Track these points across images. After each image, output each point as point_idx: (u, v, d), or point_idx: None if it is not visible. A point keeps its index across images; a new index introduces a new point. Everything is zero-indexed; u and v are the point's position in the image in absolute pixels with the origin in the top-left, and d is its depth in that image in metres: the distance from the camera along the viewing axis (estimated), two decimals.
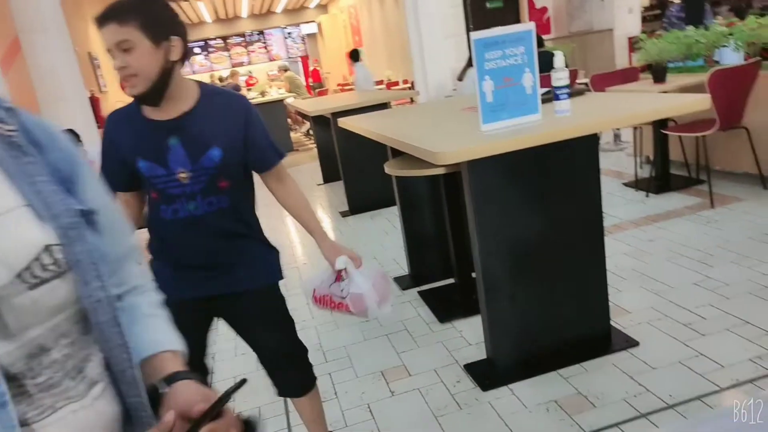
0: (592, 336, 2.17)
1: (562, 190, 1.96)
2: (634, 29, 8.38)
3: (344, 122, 3.22)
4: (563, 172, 1.93)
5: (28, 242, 0.58)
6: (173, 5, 1.43)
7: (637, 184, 4.13)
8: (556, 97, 1.90)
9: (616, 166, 4.80)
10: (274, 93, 10.74)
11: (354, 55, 8.64)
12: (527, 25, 1.84)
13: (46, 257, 0.58)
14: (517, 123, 1.86)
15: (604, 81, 4.20)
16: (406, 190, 3.03)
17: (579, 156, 1.93)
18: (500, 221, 1.93)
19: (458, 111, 2.70)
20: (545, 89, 2.05)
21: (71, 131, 4.20)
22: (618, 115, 2.00)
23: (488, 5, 10.31)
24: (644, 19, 8.90)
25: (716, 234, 3.15)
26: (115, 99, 8.06)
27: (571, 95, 1.98)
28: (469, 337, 2.48)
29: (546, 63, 2.00)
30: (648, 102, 2.10)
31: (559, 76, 1.88)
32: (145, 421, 0.68)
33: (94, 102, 6.66)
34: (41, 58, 5.63)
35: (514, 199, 1.93)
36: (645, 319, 2.38)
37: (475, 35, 1.81)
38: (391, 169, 2.69)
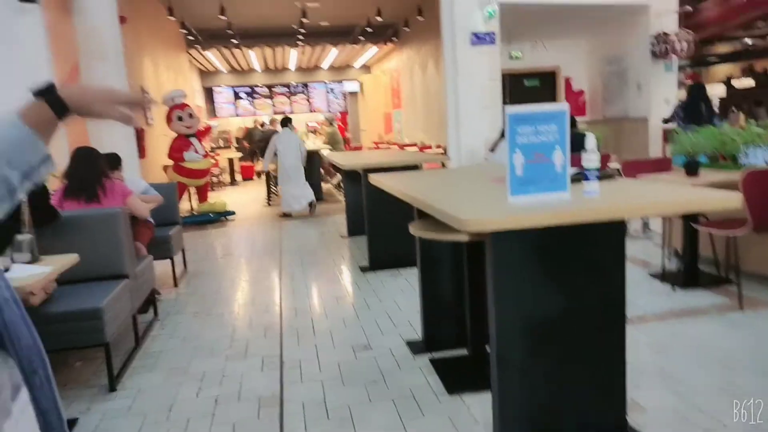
0: (605, 429, 2.08)
1: (585, 272, 1.94)
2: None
3: (374, 179, 3.28)
4: (588, 254, 1.92)
5: None
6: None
7: (664, 277, 4.04)
8: (586, 178, 1.92)
9: (643, 255, 4.74)
10: (310, 144, 11.03)
11: (283, 122, 8.50)
12: (561, 105, 1.89)
13: None
14: (545, 199, 1.88)
15: (635, 168, 4.22)
16: (428, 253, 3.04)
17: (605, 240, 1.93)
18: (520, 296, 1.92)
19: (488, 181, 2.73)
20: (575, 169, 2.08)
21: (114, 155, 4.37)
22: (647, 204, 2.00)
23: (526, 83, 10.61)
24: None
25: (744, 338, 3.04)
26: (160, 132, 8.38)
27: (600, 178, 2.00)
28: (477, 413, 2.41)
29: (577, 143, 2.04)
30: (679, 194, 2.10)
31: (591, 158, 1.91)
32: None
33: (140, 133, 6.93)
34: (97, 84, 5.93)
35: (536, 275, 1.92)
36: (663, 420, 2.28)
37: (510, 110, 1.86)
38: (415, 229, 2.72)
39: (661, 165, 4.44)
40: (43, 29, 5.20)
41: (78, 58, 5.78)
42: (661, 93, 8.43)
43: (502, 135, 5.95)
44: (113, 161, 4.24)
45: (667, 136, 8.09)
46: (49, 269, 2.29)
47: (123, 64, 6.16)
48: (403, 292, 4.25)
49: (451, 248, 2.98)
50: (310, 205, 8.18)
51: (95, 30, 5.86)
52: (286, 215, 8.15)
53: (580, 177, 2.01)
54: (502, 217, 1.75)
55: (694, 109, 7.38)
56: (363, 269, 5.03)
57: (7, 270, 2.23)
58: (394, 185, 2.83)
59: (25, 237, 2.43)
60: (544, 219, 1.74)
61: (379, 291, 4.35)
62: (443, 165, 6.35)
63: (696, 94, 7.49)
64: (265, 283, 4.80)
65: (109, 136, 5.97)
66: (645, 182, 2.29)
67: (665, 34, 8.01)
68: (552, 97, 10.56)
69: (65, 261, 2.47)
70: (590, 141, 1.92)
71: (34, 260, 2.42)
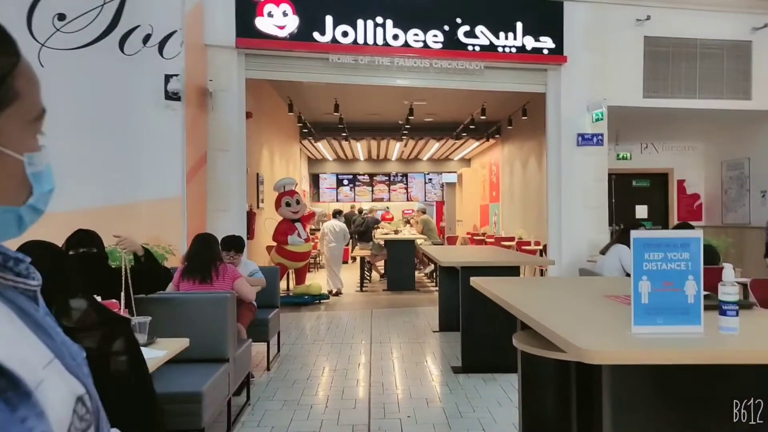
0: None
1: (719, 420, 1.71)
2: None
3: (477, 283, 3.20)
4: (723, 399, 1.70)
5: (67, 396, 0.56)
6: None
7: None
8: (723, 312, 1.74)
9: None
10: (406, 233, 11.18)
11: (334, 213, 10.03)
12: (695, 233, 1.77)
13: (80, 408, 0.57)
14: (675, 332, 1.71)
15: (766, 289, 3.80)
16: (531, 367, 2.85)
17: (744, 385, 1.70)
18: None
19: (600, 297, 2.57)
20: (705, 292, 1.90)
21: (240, 239, 4.70)
22: None
23: (634, 183, 10.22)
24: None
25: None
26: (267, 216, 8.91)
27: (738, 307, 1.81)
28: None
29: (706, 257, 1.88)
30: None
31: (728, 291, 1.73)
32: None
33: (251, 216, 7.41)
34: (219, 173, 6.50)
35: (659, 415, 1.71)
36: None
37: (636, 234, 1.76)
38: (519, 343, 2.58)
39: None
40: (182, 123, 5.85)
41: (206, 148, 6.40)
42: None
43: (615, 240, 5.67)
44: (238, 244, 4.58)
45: None
46: (163, 353, 2.40)
47: (244, 155, 6.72)
48: (499, 402, 3.99)
49: (559, 365, 2.78)
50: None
51: (225, 125, 6.50)
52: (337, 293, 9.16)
53: (713, 304, 1.83)
54: (627, 350, 1.61)
55: None
56: (455, 370, 4.83)
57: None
58: (497, 292, 2.73)
59: (144, 319, 2.59)
60: (675, 357, 1.57)
61: (473, 397, 4.12)
62: (543, 273, 6.12)
63: None
64: (354, 376, 4.73)
65: (224, 218, 6.44)
66: None
67: None
68: (664, 199, 10.05)
69: (177, 345, 2.59)
70: (728, 272, 1.76)
71: (149, 343, 2.56)
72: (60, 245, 2.91)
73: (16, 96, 0.60)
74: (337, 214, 10.09)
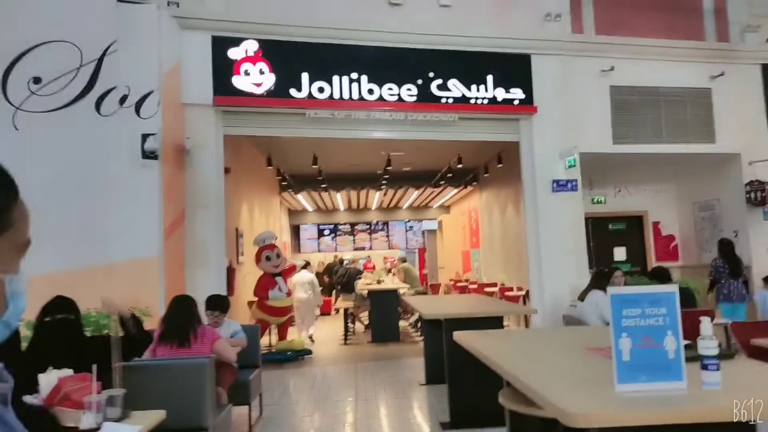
0: None
1: None
2: None
3: (460, 338, 3.18)
4: None
5: None
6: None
7: None
8: (705, 367, 1.74)
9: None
10: (389, 282, 11.12)
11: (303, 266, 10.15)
12: (670, 288, 1.78)
13: None
14: (658, 389, 1.71)
15: (747, 331, 3.84)
16: (519, 423, 2.80)
17: None
18: None
19: (582, 349, 2.56)
20: (686, 342, 1.90)
21: (225, 299, 4.63)
22: None
23: (611, 226, 10.40)
24: None
25: None
26: (247, 271, 8.80)
27: (720, 357, 1.81)
28: None
29: (683, 299, 1.90)
30: None
31: (708, 345, 1.74)
32: None
33: (230, 272, 7.31)
34: (198, 230, 6.45)
35: None
36: None
37: (613, 291, 1.78)
38: (506, 400, 2.54)
39: None
40: (159, 182, 5.83)
41: (185, 205, 6.36)
42: (762, 241, 7.94)
43: (591, 285, 5.71)
44: (224, 305, 4.54)
45: None
46: (137, 429, 2.30)
47: (223, 210, 6.70)
48: None
49: (546, 421, 2.73)
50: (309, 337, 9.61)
51: (203, 181, 6.49)
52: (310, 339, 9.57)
53: (694, 355, 1.82)
54: (612, 412, 1.59)
55: (735, 261, 7.23)
56: (444, 426, 4.71)
57: (99, 429, 2.26)
58: (481, 349, 2.71)
59: (117, 392, 2.49)
60: (661, 417, 1.56)
61: None
62: (527, 320, 6.11)
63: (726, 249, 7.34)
64: None
65: (203, 274, 6.34)
66: None
67: (760, 182, 7.74)
68: (640, 241, 10.21)
69: (153, 418, 2.49)
70: (706, 325, 1.77)
71: (124, 416, 2.46)
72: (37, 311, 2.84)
73: (11, 225, 0.73)
74: (305, 266, 10.19)
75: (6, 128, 5.58)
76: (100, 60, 5.89)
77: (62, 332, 2.83)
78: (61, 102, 5.78)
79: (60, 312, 2.87)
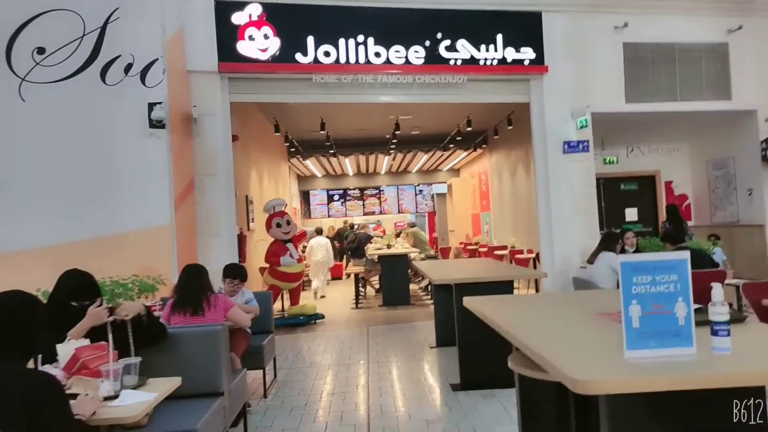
0: None
1: None
2: None
3: (469, 303, 3.20)
4: (720, 421, 1.69)
5: None
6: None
7: None
8: (715, 333, 1.74)
9: None
10: (399, 246, 11.17)
11: (318, 231, 11.69)
12: (681, 254, 1.76)
13: None
14: (667, 355, 1.71)
15: (758, 292, 3.82)
16: (529, 386, 2.83)
17: (742, 403, 1.69)
18: None
19: (592, 315, 2.56)
20: (696, 306, 1.89)
21: (243, 269, 4.69)
22: None
23: (622, 186, 10.29)
24: None
25: None
26: (259, 238, 8.87)
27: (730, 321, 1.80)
28: None
29: (694, 260, 1.89)
30: None
31: (719, 311, 1.73)
32: None
33: (242, 239, 7.37)
34: (208, 198, 6.47)
35: None
36: None
37: (623, 258, 1.76)
38: (515, 365, 2.57)
39: None
40: (168, 151, 5.83)
41: (193, 174, 6.37)
42: None
43: (601, 247, 5.69)
44: (243, 273, 4.60)
45: None
46: (154, 396, 2.36)
47: (232, 178, 6.70)
48: (499, 420, 3.96)
49: (555, 385, 2.76)
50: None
51: (211, 150, 6.48)
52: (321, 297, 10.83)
53: (704, 318, 1.82)
54: (620, 379, 1.60)
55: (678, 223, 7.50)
56: (454, 387, 4.79)
57: (117, 395, 2.32)
58: (491, 314, 2.72)
59: (134, 360, 2.55)
60: (670, 383, 1.56)
61: (473, 416, 4.08)
62: (537, 283, 6.12)
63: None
64: (353, 399, 4.68)
65: (215, 242, 6.40)
66: None
67: None
68: (652, 201, 10.12)
69: (169, 385, 2.55)
70: (717, 291, 1.75)
71: (140, 384, 2.52)
72: (48, 285, 2.87)
73: None
74: (320, 232, 11.72)
75: (13, 99, 5.57)
76: (103, 28, 5.82)
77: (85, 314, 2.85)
78: (66, 72, 5.74)
79: (87, 299, 2.88)
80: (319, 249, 10.90)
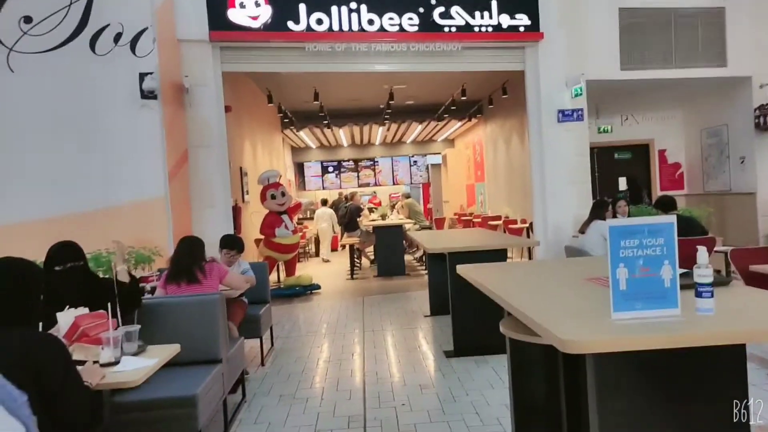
0: None
1: (700, 397, 1.76)
2: None
3: (463, 271, 3.24)
4: (703, 378, 1.75)
5: None
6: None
7: None
8: (699, 294, 1.78)
9: (758, 350, 4.27)
10: (394, 218, 11.21)
11: (323, 201, 14.02)
12: (668, 218, 1.80)
13: None
14: (653, 316, 1.76)
15: (746, 258, 3.89)
16: (519, 351, 2.90)
17: (723, 363, 1.75)
18: (626, 421, 1.76)
19: (582, 280, 2.61)
20: (683, 270, 1.93)
21: (240, 240, 4.73)
22: None
23: (617, 155, 10.31)
24: None
25: None
26: (253, 209, 8.87)
27: (714, 284, 1.85)
28: None
29: (684, 228, 1.92)
30: None
31: (703, 273, 1.77)
32: None
33: (236, 211, 7.38)
34: (202, 169, 6.45)
35: (644, 399, 1.76)
36: None
37: (612, 223, 1.79)
38: (506, 329, 2.62)
39: None
40: (160, 122, 5.79)
41: (187, 146, 6.34)
42: None
43: (593, 216, 5.74)
44: (240, 245, 4.65)
45: None
46: (154, 362, 2.41)
47: (226, 149, 6.67)
48: (491, 384, 4.07)
49: (545, 348, 2.83)
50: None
51: (204, 121, 6.43)
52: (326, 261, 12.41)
53: (690, 282, 1.86)
54: (607, 338, 1.65)
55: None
56: (447, 354, 4.90)
57: (117, 362, 2.37)
58: (484, 282, 2.77)
59: (133, 328, 2.59)
60: (654, 342, 1.62)
61: (466, 381, 4.19)
62: (530, 252, 6.17)
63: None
64: (349, 366, 4.78)
65: (210, 214, 6.41)
66: (766, 295, 2.09)
67: None
68: (646, 170, 10.16)
69: (168, 351, 2.60)
70: (702, 254, 1.80)
71: (140, 351, 2.57)
72: (41, 258, 2.90)
73: None
74: (324, 202, 13.73)
75: (1, 70, 5.49)
76: None
77: (74, 279, 2.90)
78: (55, 42, 5.65)
79: (69, 260, 2.92)
80: (324, 218, 12.77)
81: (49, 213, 5.47)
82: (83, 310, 2.65)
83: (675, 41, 7.48)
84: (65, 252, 2.93)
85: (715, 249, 5.09)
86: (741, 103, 7.99)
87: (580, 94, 7.20)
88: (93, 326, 2.54)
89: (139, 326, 2.64)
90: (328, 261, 12.37)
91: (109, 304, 2.57)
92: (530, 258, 8.40)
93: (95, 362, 2.32)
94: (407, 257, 10.90)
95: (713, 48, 7.57)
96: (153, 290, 4.26)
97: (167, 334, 3.06)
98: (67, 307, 2.69)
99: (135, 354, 2.53)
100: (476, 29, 6.96)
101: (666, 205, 5.64)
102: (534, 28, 7.10)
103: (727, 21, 7.56)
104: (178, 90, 6.23)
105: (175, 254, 4.06)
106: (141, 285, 4.25)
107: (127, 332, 2.55)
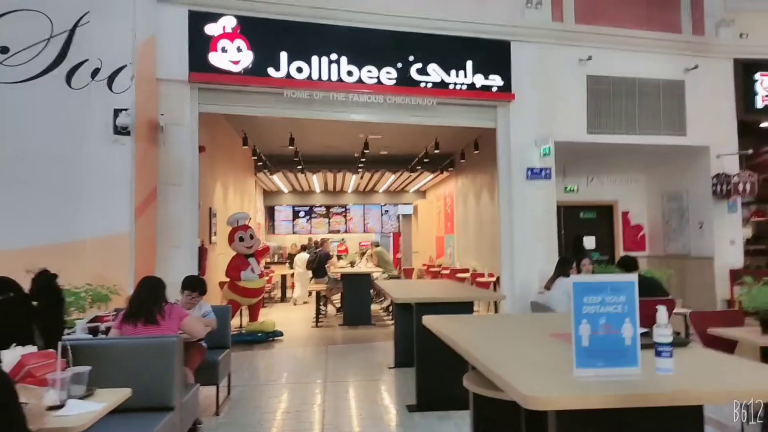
0: None
1: None
2: (736, 262, 8.13)
3: (428, 322, 3.23)
4: None
5: None
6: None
7: None
8: (658, 354, 1.81)
9: (718, 415, 4.29)
10: (362, 265, 11.16)
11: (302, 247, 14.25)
12: (629, 277, 1.84)
13: None
14: (614, 375, 1.77)
15: (705, 320, 3.98)
16: (483, 406, 2.87)
17: (681, 424, 1.76)
18: None
19: (547, 336, 2.62)
20: (643, 329, 1.96)
21: (202, 281, 4.62)
22: (729, 389, 1.80)
23: (582, 215, 10.58)
24: (747, 252, 8.63)
25: None
26: (219, 251, 8.73)
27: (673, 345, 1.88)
28: None
29: (646, 288, 1.95)
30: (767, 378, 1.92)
31: (663, 333, 1.80)
32: None
33: (202, 251, 7.24)
34: (171, 208, 6.36)
35: None
36: None
37: (576, 279, 1.82)
38: (470, 384, 2.60)
39: (733, 319, 4.16)
40: (131, 158, 5.73)
41: (157, 183, 6.26)
42: (726, 233, 8.18)
43: (558, 273, 5.83)
44: (202, 287, 4.54)
45: (735, 277, 7.72)
46: (102, 406, 2.29)
47: (197, 189, 6.61)
48: None
49: (508, 404, 2.80)
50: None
51: (176, 159, 6.39)
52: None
53: (650, 342, 1.89)
54: (568, 396, 1.64)
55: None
56: (410, 408, 4.79)
57: (62, 405, 2.24)
58: (449, 333, 2.76)
59: (83, 369, 2.47)
60: (613, 401, 1.62)
61: None
62: (497, 305, 6.21)
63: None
64: (308, 418, 4.62)
65: (176, 254, 6.28)
66: (724, 358, 2.13)
67: (726, 175, 7.95)
68: (609, 230, 10.43)
69: (118, 396, 2.48)
70: (662, 314, 1.83)
71: (87, 395, 2.44)
72: None
73: None
74: (303, 248, 14.14)
75: None
76: (72, 31, 5.73)
77: (4, 311, 2.77)
78: (31, 73, 5.62)
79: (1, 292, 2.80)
80: (302, 263, 12.68)
81: (10, 246, 5.27)
82: (31, 349, 2.52)
83: (638, 109, 7.87)
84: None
85: (675, 311, 5.20)
86: (700, 170, 8.37)
87: (549, 154, 7.44)
88: (40, 366, 2.41)
89: (89, 368, 2.52)
90: (306, 303, 12.58)
91: (60, 343, 2.45)
92: (496, 311, 8.41)
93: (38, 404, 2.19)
94: (374, 306, 10.78)
95: (674, 117, 7.98)
96: (107, 331, 4.09)
97: (119, 377, 2.93)
98: (14, 345, 2.56)
99: (82, 397, 2.41)
100: (451, 86, 7.20)
101: (628, 265, 5.77)
102: (506, 88, 7.39)
103: (687, 93, 8.01)
104: (152, 127, 6.21)
105: (135, 293, 3.93)
106: (96, 326, 4.11)
107: (75, 374, 2.43)
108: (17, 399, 1.85)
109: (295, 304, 12.57)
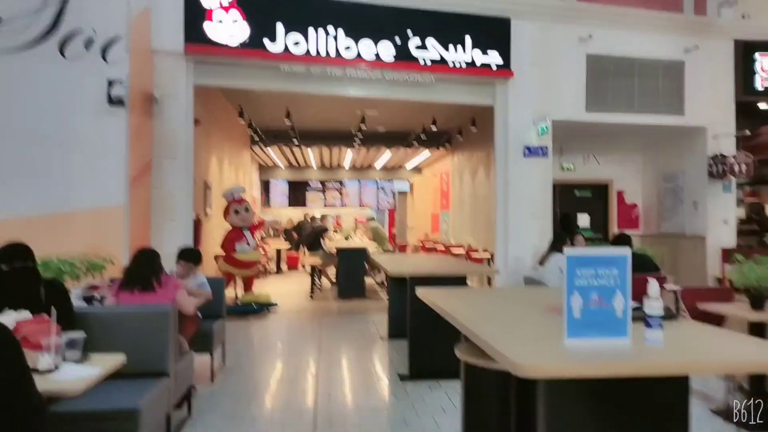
0: None
1: (647, 428, 1.80)
2: (728, 241, 8.20)
3: (422, 294, 3.25)
4: (649, 405, 1.79)
5: None
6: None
7: (727, 414, 3.71)
8: (648, 325, 1.84)
9: (704, 387, 4.39)
10: (357, 240, 11.18)
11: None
12: (622, 251, 1.85)
13: None
14: (604, 345, 1.80)
15: (695, 296, 4.03)
16: (473, 376, 2.91)
17: (668, 392, 1.80)
18: None
19: (540, 309, 2.65)
20: (635, 304, 1.99)
21: (197, 252, 4.63)
22: (716, 361, 1.84)
23: (577, 193, 10.61)
24: (740, 232, 8.69)
25: None
26: (215, 224, 8.73)
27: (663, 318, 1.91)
28: None
29: (638, 264, 1.97)
30: (754, 350, 1.95)
31: (654, 305, 1.83)
32: None
33: (197, 225, 7.24)
34: (165, 181, 6.33)
35: (592, 424, 1.79)
36: None
37: (569, 252, 1.84)
38: (462, 354, 2.63)
39: (722, 295, 4.22)
40: (126, 130, 5.68)
41: (152, 156, 6.22)
42: (719, 213, 8.23)
43: (552, 249, 5.87)
44: (198, 257, 4.53)
45: (727, 256, 7.79)
46: (96, 370, 2.31)
47: (191, 162, 6.57)
48: (443, 410, 4.05)
49: (498, 374, 2.84)
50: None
51: (171, 132, 6.34)
52: None
53: (640, 315, 1.92)
54: (558, 364, 1.67)
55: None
56: (402, 377, 4.86)
57: (56, 368, 2.27)
58: (443, 305, 2.78)
59: (77, 335, 2.49)
60: (602, 369, 1.65)
61: (419, 406, 4.16)
62: (490, 281, 6.25)
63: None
64: (302, 386, 4.69)
65: (171, 227, 6.27)
66: (712, 331, 2.16)
67: (723, 156, 7.96)
68: (604, 209, 10.46)
69: (113, 362, 2.50)
70: (653, 287, 1.85)
71: (83, 359, 2.46)
72: None
73: None
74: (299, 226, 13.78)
75: None
76: (65, 1, 5.61)
77: (21, 280, 2.80)
78: (23, 42, 5.51)
79: (18, 260, 2.82)
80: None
81: (5, 214, 5.25)
82: (26, 314, 2.54)
83: (637, 89, 7.82)
84: (13, 252, 2.83)
85: (666, 287, 5.25)
86: (696, 151, 8.37)
87: (546, 132, 7.41)
88: (35, 332, 2.42)
89: (83, 334, 2.54)
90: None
91: (53, 308, 2.47)
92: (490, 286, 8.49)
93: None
94: (369, 281, 10.85)
95: (672, 98, 7.95)
96: (102, 299, 4.11)
97: (115, 344, 2.94)
98: (7, 309, 2.57)
99: (77, 362, 2.43)
100: (450, 63, 7.12)
101: (622, 242, 5.81)
102: (505, 66, 7.32)
103: (686, 74, 7.96)
104: (147, 99, 6.14)
105: (131, 262, 3.94)
106: (92, 295, 4.12)
107: (70, 340, 2.45)
108: (24, 357, 1.87)
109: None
